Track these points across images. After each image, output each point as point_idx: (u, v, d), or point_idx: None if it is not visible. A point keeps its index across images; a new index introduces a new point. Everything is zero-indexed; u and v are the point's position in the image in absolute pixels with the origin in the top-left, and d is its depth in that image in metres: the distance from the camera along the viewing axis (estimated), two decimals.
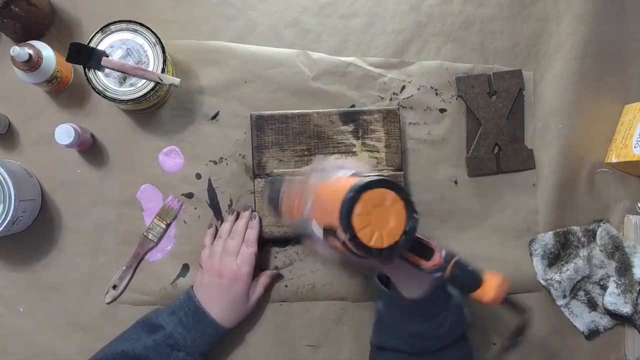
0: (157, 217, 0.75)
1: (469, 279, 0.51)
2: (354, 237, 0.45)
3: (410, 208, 0.47)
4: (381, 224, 0.46)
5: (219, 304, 0.68)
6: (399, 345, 0.60)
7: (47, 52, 0.69)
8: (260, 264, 0.74)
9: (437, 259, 0.51)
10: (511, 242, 0.77)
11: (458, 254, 0.52)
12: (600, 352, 0.76)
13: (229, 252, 0.69)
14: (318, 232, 0.51)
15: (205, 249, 0.72)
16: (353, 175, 0.51)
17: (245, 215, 0.73)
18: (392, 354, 0.61)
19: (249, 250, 0.70)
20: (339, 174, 0.54)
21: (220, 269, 0.68)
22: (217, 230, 0.74)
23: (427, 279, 0.57)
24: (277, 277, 0.75)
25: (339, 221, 0.45)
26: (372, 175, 0.47)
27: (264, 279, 0.73)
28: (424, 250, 0.52)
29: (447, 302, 0.58)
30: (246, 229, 0.72)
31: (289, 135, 0.74)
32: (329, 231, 0.48)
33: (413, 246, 0.51)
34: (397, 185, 0.46)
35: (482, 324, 0.74)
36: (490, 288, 0.50)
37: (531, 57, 0.78)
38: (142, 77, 0.68)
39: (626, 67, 0.79)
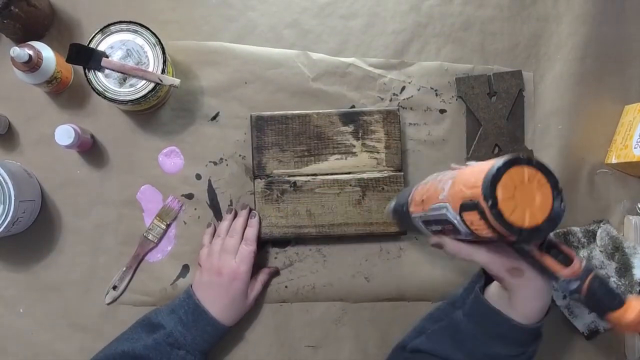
0: (157, 218, 0.75)
1: (610, 296, 0.47)
2: (495, 206, 0.43)
3: (558, 195, 0.45)
4: (526, 201, 0.44)
5: (218, 302, 0.68)
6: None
7: (47, 53, 0.69)
8: (260, 265, 0.74)
9: (576, 267, 0.47)
10: None
11: (596, 270, 0.48)
12: (600, 352, 0.76)
13: (228, 251, 0.69)
14: (452, 213, 0.48)
15: (204, 248, 0.72)
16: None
17: (243, 213, 0.73)
18: None
19: (248, 248, 0.70)
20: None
21: (219, 268, 0.69)
22: (215, 229, 0.74)
23: (548, 302, 0.53)
24: (275, 274, 0.75)
25: (482, 190, 0.43)
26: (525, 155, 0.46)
27: (262, 276, 0.73)
28: (562, 257, 0.49)
29: (538, 339, 0.55)
30: (245, 228, 0.72)
31: (289, 136, 0.74)
32: (467, 206, 0.46)
33: (551, 250, 0.49)
34: (548, 170, 0.45)
35: None
36: (633, 309, 0.46)
37: (531, 58, 0.78)
38: (142, 78, 0.68)
39: (626, 68, 0.79)
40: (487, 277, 0.60)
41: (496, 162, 0.44)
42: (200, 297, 0.68)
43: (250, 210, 0.74)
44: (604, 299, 0.47)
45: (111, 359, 0.64)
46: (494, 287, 0.58)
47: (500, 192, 0.43)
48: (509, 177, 0.44)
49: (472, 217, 0.46)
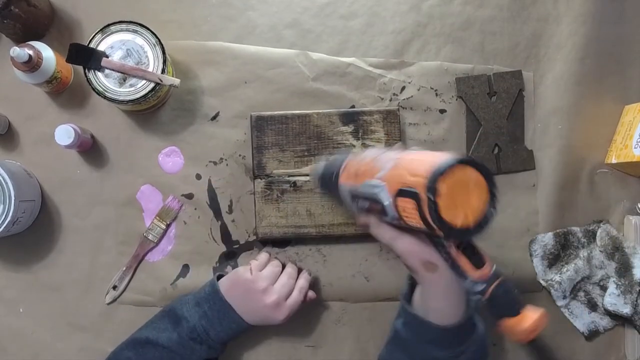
0: (157, 218, 0.75)
1: (510, 303, 0.48)
2: (434, 200, 0.43)
3: (493, 201, 0.45)
4: (463, 201, 0.44)
5: (248, 311, 0.67)
6: None
7: (47, 53, 0.69)
8: None
9: (486, 271, 0.49)
10: (511, 242, 0.76)
11: (504, 276, 0.50)
12: (600, 352, 0.76)
13: (281, 291, 0.68)
14: (386, 194, 0.49)
15: (260, 265, 0.70)
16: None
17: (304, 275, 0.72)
18: None
19: (299, 298, 0.69)
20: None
21: (268, 295, 0.67)
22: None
23: (462, 300, 0.54)
24: (313, 300, 0.73)
25: (427, 181, 0.43)
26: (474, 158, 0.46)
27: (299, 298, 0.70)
28: (476, 258, 0.49)
29: (471, 333, 0.55)
30: (296, 278, 0.71)
31: (288, 136, 0.74)
32: (405, 192, 0.46)
33: (466, 249, 0.49)
34: (490, 174, 0.45)
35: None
36: (528, 319, 0.48)
37: (531, 58, 0.78)
38: (142, 78, 0.68)
39: (626, 68, 0.79)
40: (412, 282, 0.60)
41: (445, 158, 0.44)
42: (228, 296, 0.67)
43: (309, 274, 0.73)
44: (503, 306, 0.49)
45: (136, 342, 0.66)
46: (417, 290, 0.57)
47: (442, 188, 0.43)
48: (454, 174, 0.44)
49: (406, 204, 0.46)
